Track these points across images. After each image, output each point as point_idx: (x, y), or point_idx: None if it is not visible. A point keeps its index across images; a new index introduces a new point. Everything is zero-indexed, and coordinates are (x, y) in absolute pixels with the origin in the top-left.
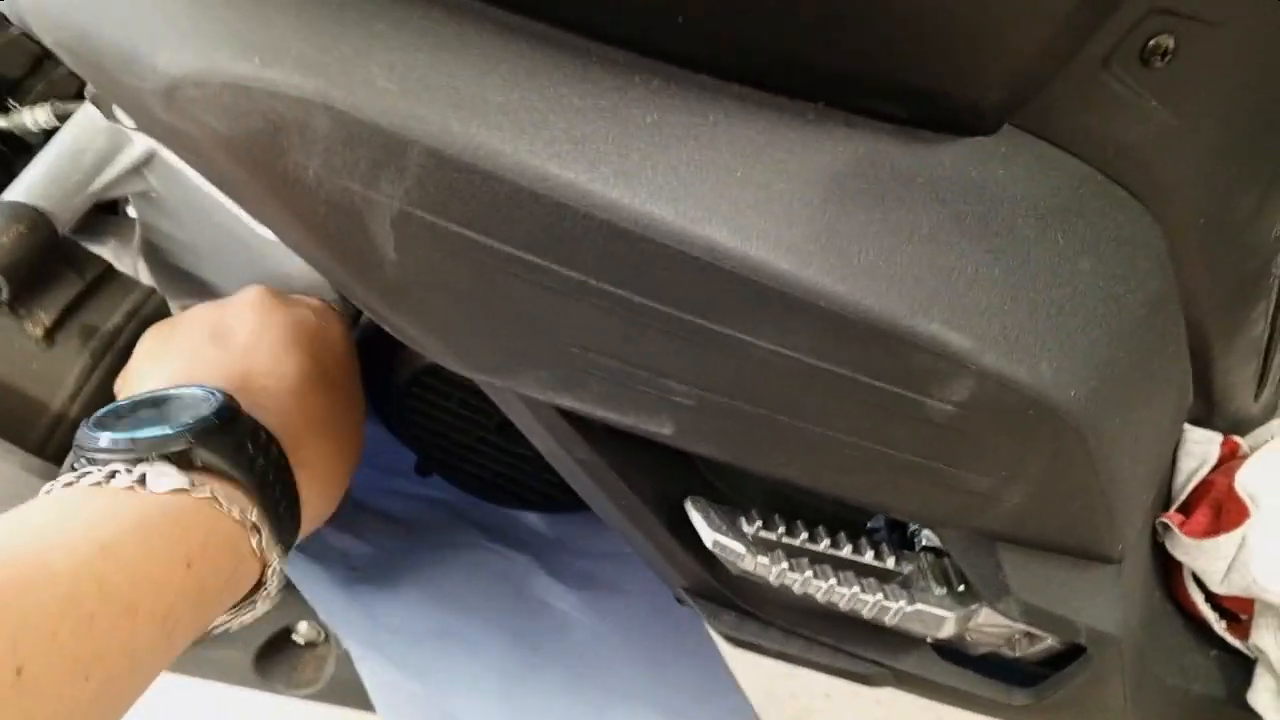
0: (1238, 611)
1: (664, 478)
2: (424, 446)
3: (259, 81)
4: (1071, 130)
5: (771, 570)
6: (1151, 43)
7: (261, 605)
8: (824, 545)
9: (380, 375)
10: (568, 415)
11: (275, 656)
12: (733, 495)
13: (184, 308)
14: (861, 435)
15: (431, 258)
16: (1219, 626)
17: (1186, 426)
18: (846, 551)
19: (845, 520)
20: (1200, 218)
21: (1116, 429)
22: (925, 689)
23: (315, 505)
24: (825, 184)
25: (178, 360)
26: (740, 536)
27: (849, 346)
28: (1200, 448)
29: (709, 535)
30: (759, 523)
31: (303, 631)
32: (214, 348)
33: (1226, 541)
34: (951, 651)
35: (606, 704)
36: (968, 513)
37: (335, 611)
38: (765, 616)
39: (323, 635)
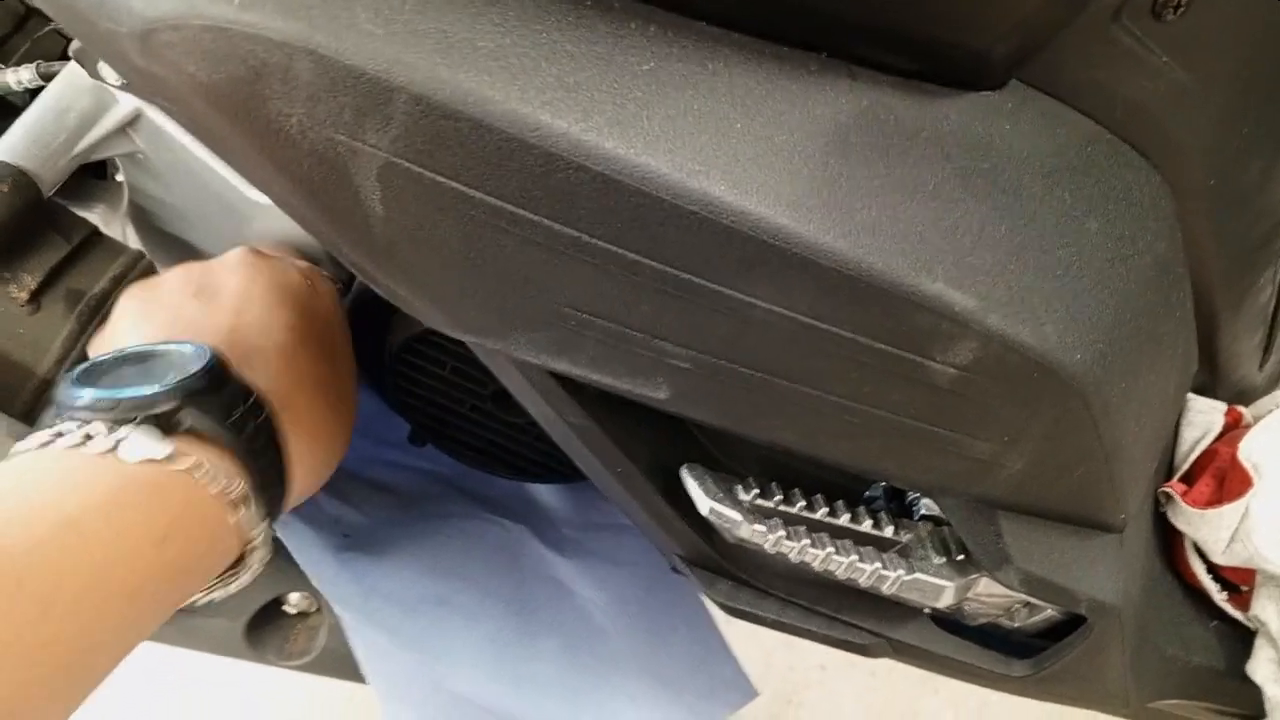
0: (1239, 582)
1: (660, 444)
2: (417, 416)
3: (238, 24)
4: (1080, 86)
5: (768, 538)
6: None
7: (244, 578)
8: (821, 513)
9: (372, 343)
10: (562, 379)
11: (266, 627)
12: (729, 463)
13: None
14: (862, 399)
15: (419, 212)
16: (1220, 597)
17: (1190, 395)
18: (844, 520)
19: (843, 488)
20: (1210, 180)
21: (1121, 394)
22: (923, 660)
23: (308, 470)
24: (827, 137)
25: (161, 317)
26: (736, 504)
27: (850, 306)
28: (1204, 417)
29: (705, 503)
30: (756, 490)
31: (294, 602)
32: (199, 304)
33: (1229, 511)
34: (949, 622)
35: (601, 673)
36: (969, 479)
37: (327, 578)
38: (761, 585)
39: (315, 605)
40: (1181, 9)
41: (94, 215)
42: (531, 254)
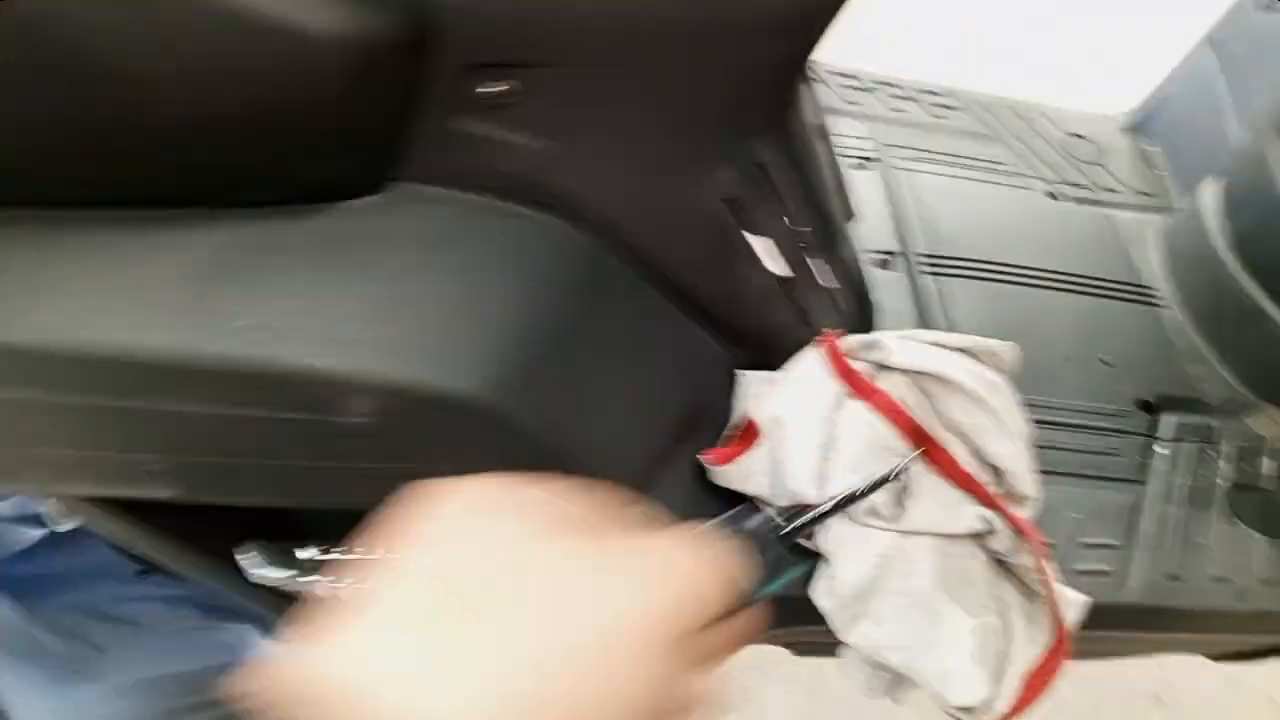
0: None
1: (235, 529)
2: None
3: None
4: (454, 172)
5: (302, 585)
6: (487, 91)
7: None
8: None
9: None
10: (119, 503)
11: None
12: (321, 525)
13: None
14: (316, 458)
15: None
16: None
17: (741, 372)
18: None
19: None
20: (625, 209)
21: (558, 400)
22: None
23: None
24: (195, 268)
25: None
26: (291, 564)
27: (250, 393)
28: (755, 388)
29: (256, 575)
30: (316, 547)
31: None
32: None
33: (745, 461)
34: None
35: None
36: None
37: (38, 713)
38: None
39: None
40: (513, 96)
41: None
42: None
